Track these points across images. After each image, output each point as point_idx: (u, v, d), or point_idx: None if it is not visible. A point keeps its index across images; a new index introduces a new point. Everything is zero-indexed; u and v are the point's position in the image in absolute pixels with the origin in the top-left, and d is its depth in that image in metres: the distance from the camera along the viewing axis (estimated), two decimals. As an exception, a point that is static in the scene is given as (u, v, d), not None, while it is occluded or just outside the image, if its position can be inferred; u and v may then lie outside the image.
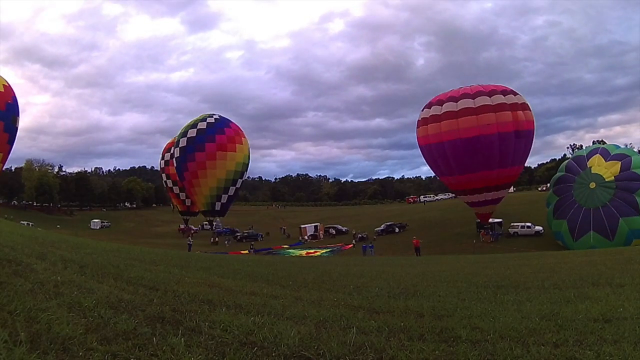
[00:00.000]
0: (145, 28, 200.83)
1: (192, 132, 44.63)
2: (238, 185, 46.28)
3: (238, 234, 54.71)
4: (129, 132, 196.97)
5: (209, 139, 44.07)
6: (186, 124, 47.73)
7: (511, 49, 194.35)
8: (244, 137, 47.27)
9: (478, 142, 34.39)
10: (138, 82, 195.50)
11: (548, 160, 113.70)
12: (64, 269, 5.21)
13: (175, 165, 45.63)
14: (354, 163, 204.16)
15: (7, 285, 3.70)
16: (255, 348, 2.90)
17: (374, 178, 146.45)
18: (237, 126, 47.95)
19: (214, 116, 47.52)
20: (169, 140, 53.06)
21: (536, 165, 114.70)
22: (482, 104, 34.94)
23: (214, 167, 43.11)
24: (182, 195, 49.95)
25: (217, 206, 44.77)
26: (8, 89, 36.21)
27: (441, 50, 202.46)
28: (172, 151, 47.21)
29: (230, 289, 5.87)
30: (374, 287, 7.08)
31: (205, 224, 69.16)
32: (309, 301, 5.29)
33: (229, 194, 44.76)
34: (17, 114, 37.15)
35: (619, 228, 31.09)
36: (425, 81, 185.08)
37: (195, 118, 48.11)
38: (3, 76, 37.40)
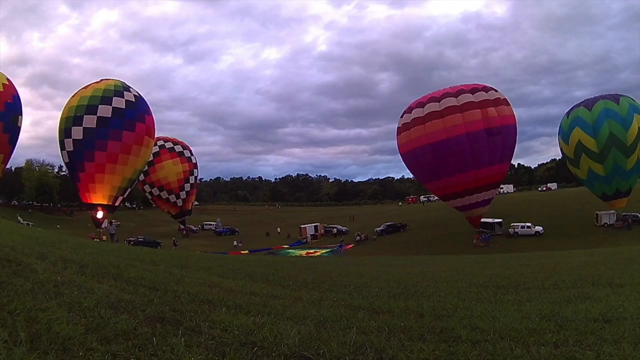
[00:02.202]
0: (153, 60, 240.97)
1: (106, 111, 32.70)
2: (132, 186, 37.93)
3: (132, 238, 43.16)
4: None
5: (128, 125, 33.14)
6: (87, 90, 34.48)
7: (459, 70, 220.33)
8: (155, 129, 37.71)
9: (447, 145, 33.73)
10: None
11: (548, 161, 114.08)
12: (64, 269, 5.21)
13: (70, 148, 33.38)
14: (342, 168, 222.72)
15: (7, 285, 3.69)
16: (255, 348, 2.89)
17: (374, 178, 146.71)
18: (152, 114, 37.08)
19: (132, 91, 35.13)
20: None
21: (536, 165, 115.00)
22: (448, 105, 34.32)
23: (125, 163, 33.41)
24: (172, 198, 47.40)
25: (118, 201, 35.64)
26: (8, 87, 34.23)
27: (399, 73, 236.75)
28: (63, 126, 33.97)
29: (230, 289, 5.86)
30: (374, 287, 7.08)
31: (206, 224, 69.34)
32: (309, 301, 5.28)
33: (124, 195, 36.06)
34: (20, 113, 34.82)
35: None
36: (390, 97, 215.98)
37: (101, 84, 34.86)
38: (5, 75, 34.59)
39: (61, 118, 34.82)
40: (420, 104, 36.25)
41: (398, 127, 38.70)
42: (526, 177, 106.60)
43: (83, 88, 35.58)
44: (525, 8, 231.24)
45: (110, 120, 32.78)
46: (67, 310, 3.18)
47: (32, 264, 5.02)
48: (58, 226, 53.21)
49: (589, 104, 37.93)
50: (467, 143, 33.41)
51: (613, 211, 41.38)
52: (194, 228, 63.69)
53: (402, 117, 38.26)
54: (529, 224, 43.13)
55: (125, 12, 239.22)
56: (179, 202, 48.44)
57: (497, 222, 44.65)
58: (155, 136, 46.89)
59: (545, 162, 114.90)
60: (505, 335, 3.56)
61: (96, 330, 2.84)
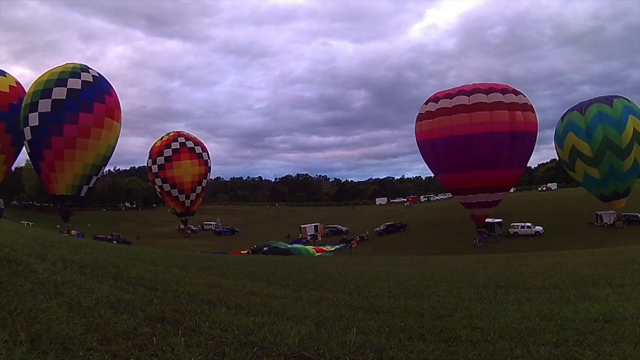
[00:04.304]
0: (157, 83, 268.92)
1: (60, 93, 30.92)
2: (99, 175, 35.78)
3: (101, 236, 43.11)
4: (136, 147, 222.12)
5: (85, 106, 31.22)
6: (45, 75, 32.84)
7: (421, 88, 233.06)
8: (121, 111, 35.50)
9: (470, 141, 33.55)
10: (143, 111, 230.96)
11: (548, 160, 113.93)
12: (64, 269, 5.20)
13: (29, 136, 31.83)
14: (335, 171, 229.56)
15: (7, 285, 3.70)
16: (255, 348, 2.89)
17: (373, 178, 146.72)
18: (117, 95, 35.05)
19: (90, 72, 33.54)
20: (157, 143, 48.98)
21: (536, 165, 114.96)
22: (477, 101, 33.99)
23: (85, 148, 31.50)
24: (182, 198, 47.95)
25: (83, 191, 33.51)
26: (16, 89, 34.02)
27: (369, 91, 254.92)
28: (22, 115, 32.10)
29: (230, 289, 5.86)
30: (374, 287, 7.08)
31: (206, 224, 69.26)
32: (309, 301, 5.28)
33: (89, 184, 33.89)
34: None
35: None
36: (365, 109, 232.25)
37: (57, 68, 33.35)
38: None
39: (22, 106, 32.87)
40: (449, 95, 35.71)
41: (420, 114, 38.06)
42: (526, 177, 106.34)
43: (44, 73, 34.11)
44: (467, 40, 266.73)
45: (65, 102, 30.80)
46: (67, 310, 3.18)
47: (32, 264, 5.02)
48: (58, 226, 53.14)
49: (582, 107, 37.75)
50: (491, 142, 33.27)
51: (613, 211, 41.38)
52: (193, 228, 63.65)
53: (426, 104, 37.62)
54: (529, 224, 43.10)
55: (132, 47, 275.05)
56: (187, 203, 48.70)
57: (497, 222, 44.63)
58: (176, 131, 49.10)
59: (545, 162, 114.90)
60: (505, 335, 3.56)
61: (96, 330, 2.84)
